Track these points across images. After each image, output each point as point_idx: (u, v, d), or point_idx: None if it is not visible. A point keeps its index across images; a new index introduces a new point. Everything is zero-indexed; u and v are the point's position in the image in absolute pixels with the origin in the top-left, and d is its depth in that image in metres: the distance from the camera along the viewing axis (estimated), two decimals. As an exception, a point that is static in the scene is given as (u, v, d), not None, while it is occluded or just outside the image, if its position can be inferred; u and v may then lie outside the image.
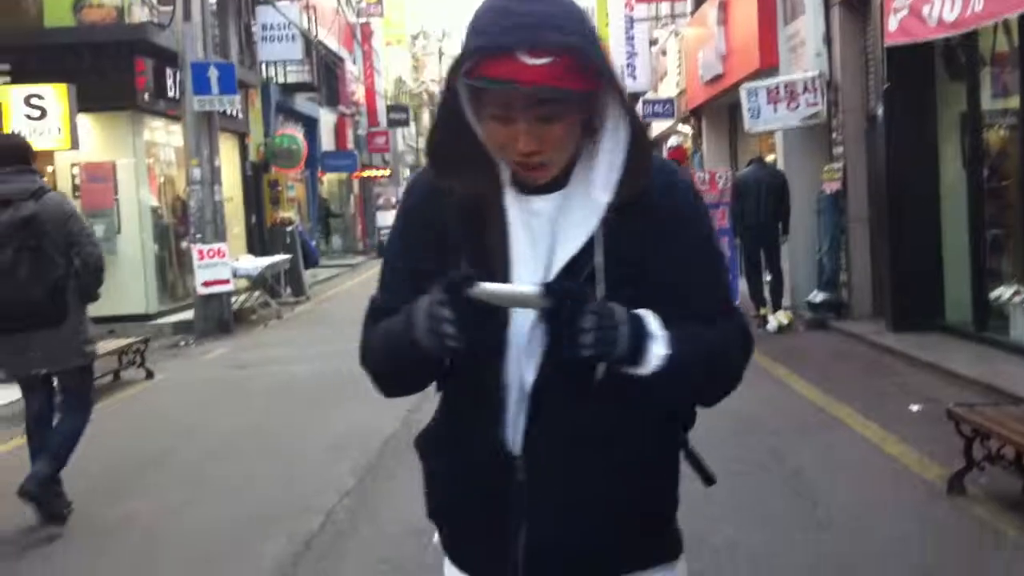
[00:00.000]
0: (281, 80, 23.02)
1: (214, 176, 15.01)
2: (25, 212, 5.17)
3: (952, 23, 8.55)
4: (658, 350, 1.55)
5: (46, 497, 5.32)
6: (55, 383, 5.66)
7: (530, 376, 1.62)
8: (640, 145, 1.59)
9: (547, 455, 1.62)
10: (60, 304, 5.28)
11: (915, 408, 7.23)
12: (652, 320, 1.57)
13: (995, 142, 9.76)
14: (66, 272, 5.29)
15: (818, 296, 11.87)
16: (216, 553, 4.99)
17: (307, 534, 5.07)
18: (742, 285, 12.43)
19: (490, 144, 1.60)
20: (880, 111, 10.75)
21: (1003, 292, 9.16)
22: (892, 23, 9.75)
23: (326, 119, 28.17)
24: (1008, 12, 7.81)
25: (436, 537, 1.84)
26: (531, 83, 1.47)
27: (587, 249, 1.60)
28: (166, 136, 16.53)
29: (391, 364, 1.70)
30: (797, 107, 12.35)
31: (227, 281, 13.82)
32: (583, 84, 1.51)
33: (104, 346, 9.95)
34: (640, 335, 1.54)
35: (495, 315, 1.53)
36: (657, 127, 24.06)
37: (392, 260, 1.77)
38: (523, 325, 1.60)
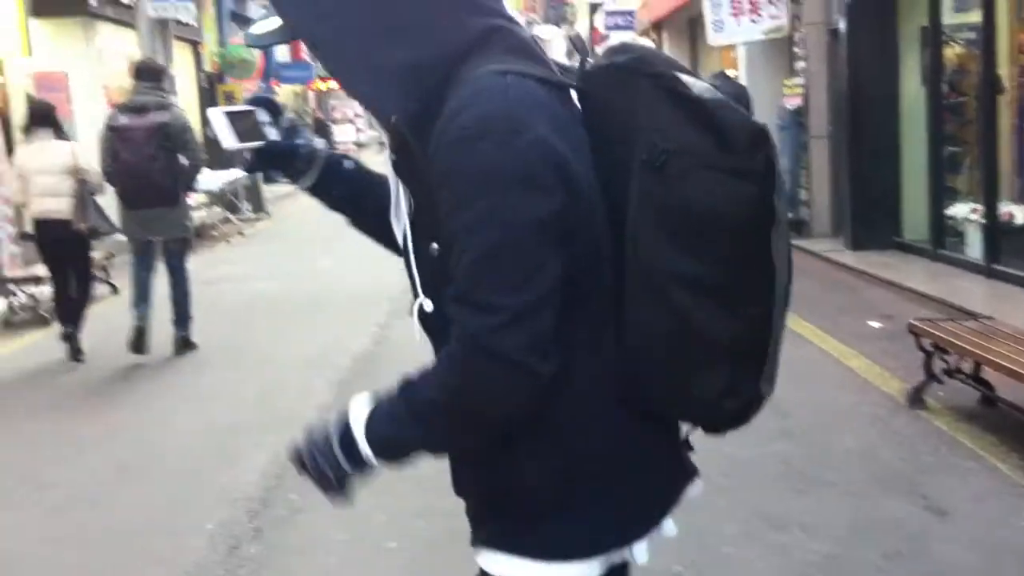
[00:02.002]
0: (234, -13, 22.47)
1: (170, 86, 14.73)
2: (160, 119, 7.04)
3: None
4: (366, 450, 1.41)
5: (187, 338, 7.61)
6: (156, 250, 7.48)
7: None
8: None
9: None
10: (177, 189, 7.22)
11: (874, 324, 7.44)
12: (356, 411, 1.43)
13: (955, 57, 9.87)
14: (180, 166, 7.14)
15: (778, 212, 12.01)
16: (203, 464, 5.09)
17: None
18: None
19: None
20: (842, 25, 10.78)
21: (960, 210, 9.36)
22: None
23: (281, 27, 27.59)
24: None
25: None
26: None
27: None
28: (117, 44, 16.12)
29: None
30: (760, 20, 12.34)
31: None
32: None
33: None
34: (349, 441, 1.41)
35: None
36: (617, 39, 23.89)
37: None
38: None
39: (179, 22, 16.23)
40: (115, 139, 7.01)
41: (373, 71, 1.34)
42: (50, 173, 7.27)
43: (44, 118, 7.53)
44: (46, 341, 8.25)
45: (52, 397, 6.58)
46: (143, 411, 6.15)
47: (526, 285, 1.27)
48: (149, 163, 7.01)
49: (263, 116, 1.70)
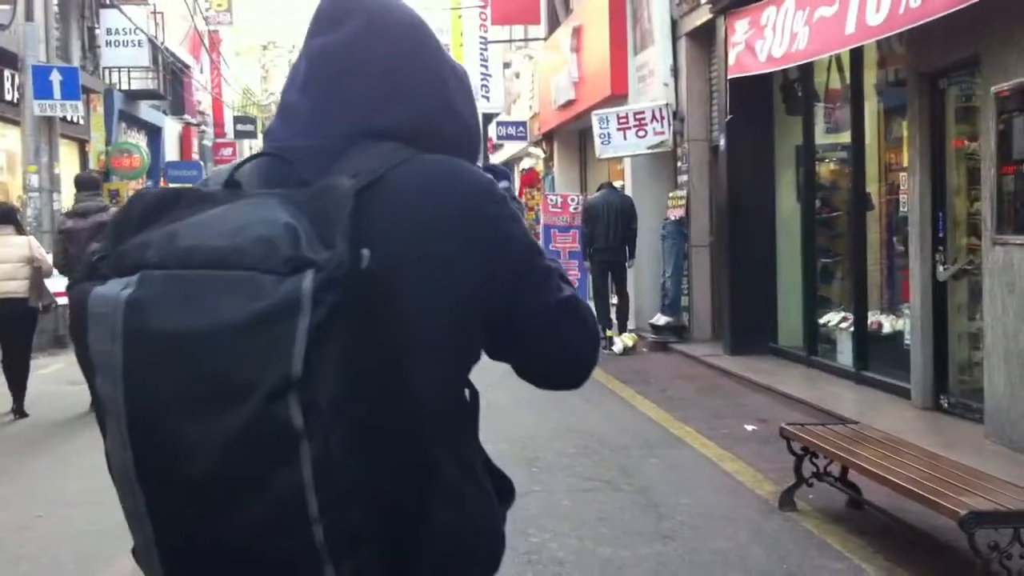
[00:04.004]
0: (125, 86, 22.31)
1: (53, 183, 14.49)
2: (100, 219, 8.35)
3: (779, 58, 9.10)
4: None
5: None
6: None
7: None
8: None
9: None
10: None
11: (749, 428, 7.62)
12: None
13: (827, 175, 10.37)
14: None
15: (661, 319, 12.31)
16: (65, 571, 4.86)
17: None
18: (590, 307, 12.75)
19: None
20: (722, 142, 11.26)
21: (831, 318, 9.73)
22: (731, 57, 10.27)
23: (171, 128, 27.42)
24: (827, 51, 8.41)
25: None
26: None
27: None
28: (1, 140, 15.83)
29: None
30: (645, 135, 12.80)
31: (63, 294, 13.29)
32: None
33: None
34: None
35: None
36: (509, 149, 24.45)
37: None
38: None
39: (66, 120, 16.03)
40: (64, 239, 8.58)
41: None
42: (10, 262, 8.68)
43: (6, 217, 9.01)
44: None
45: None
46: (8, 515, 5.85)
47: None
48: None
49: None
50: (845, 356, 9.37)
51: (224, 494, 1.20)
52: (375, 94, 1.44)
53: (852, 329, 9.19)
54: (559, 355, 1.50)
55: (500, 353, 1.48)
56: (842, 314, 9.55)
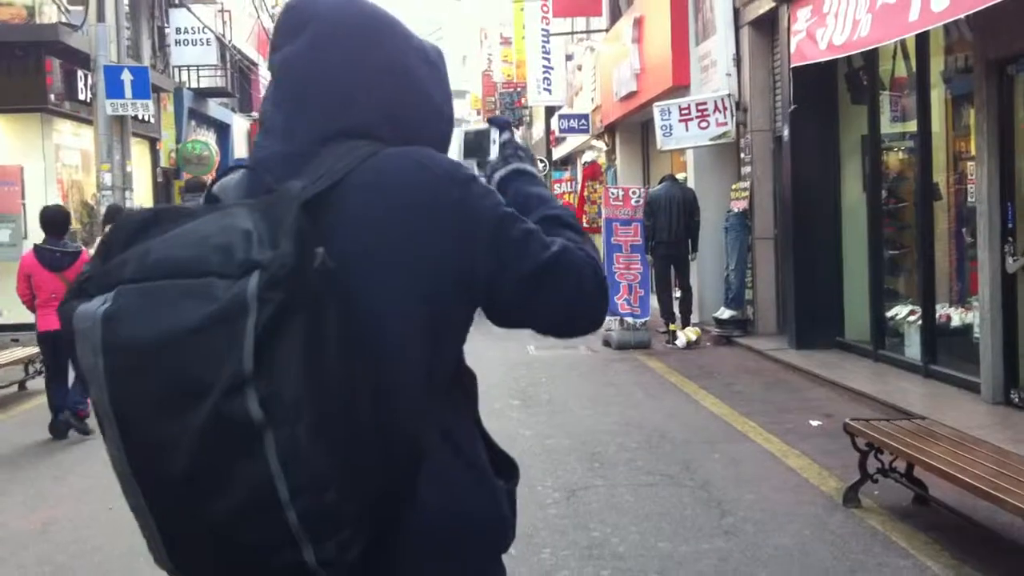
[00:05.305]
0: (194, 85, 22.71)
1: (125, 181, 14.82)
2: None
3: (839, 46, 8.96)
4: None
5: None
6: None
7: None
8: None
9: None
10: None
11: (814, 423, 7.54)
12: None
13: (894, 165, 10.20)
14: None
15: (725, 312, 12.22)
16: (137, 562, 5.00)
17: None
18: (653, 301, 12.71)
19: None
20: (786, 132, 11.12)
21: (899, 311, 9.58)
22: (792, 45, 10.15)
23: (239, 125, 27.84)
24: (889, 38, 8.24)
25: None
26: None
27: None
28: (73, 139, 16.23)
29: None
30: (707, 126, 12.70)
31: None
32: None
33: (9, 355, 9.85)
34: None
35: None
36: (572, 142, 24.42)
37: None
38: None
39: (137, 119, 16.38)
40: None
41: None
42: None
43: (115, 215, 10.08)
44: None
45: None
46: (78, 508, 6.03)
47: None
48: None
49: (494, 135, 1.76)
50: (913, 350, 9.22)
51: (202, 486, 1.28)
52: (336, 96, 1.49)
53: (920, 322, 9.04)
54: (557, 310, 1.51)
55: (499, 320, 1.52)
56: (910, 307, 9.40)
